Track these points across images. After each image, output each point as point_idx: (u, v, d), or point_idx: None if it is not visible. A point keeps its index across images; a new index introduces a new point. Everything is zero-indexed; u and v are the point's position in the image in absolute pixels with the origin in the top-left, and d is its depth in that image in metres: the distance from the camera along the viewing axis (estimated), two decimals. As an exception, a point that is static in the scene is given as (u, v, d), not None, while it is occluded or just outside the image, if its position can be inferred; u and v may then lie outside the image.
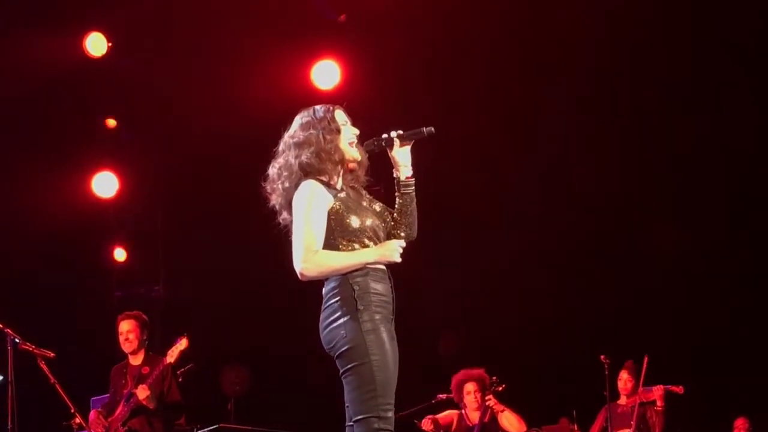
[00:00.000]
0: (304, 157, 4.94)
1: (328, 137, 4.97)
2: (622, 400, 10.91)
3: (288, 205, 5.00)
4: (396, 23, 10.59)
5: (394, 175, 5.16)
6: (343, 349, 4.84)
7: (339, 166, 4.99)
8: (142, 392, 9.12)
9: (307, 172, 4.95)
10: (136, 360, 9.44)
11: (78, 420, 8.77)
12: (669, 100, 10.97)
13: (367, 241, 4.96)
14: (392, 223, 5.15)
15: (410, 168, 5.13)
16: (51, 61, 10.60)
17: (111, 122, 11.38)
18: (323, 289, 4.98)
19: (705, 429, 11.43)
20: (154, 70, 10.90)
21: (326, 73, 10.96)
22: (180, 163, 11.31)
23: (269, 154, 9.01)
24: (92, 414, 9.29)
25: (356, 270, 4.89)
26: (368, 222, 4.99)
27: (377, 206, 5.18)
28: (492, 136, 11.28)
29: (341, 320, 4.86)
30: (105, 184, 11.82)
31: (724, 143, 11.11)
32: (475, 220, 11.02)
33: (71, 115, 11.08)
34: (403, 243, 4.93)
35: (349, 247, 4.93)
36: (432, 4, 10.53)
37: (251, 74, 10.57)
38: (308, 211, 4.88)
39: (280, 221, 5.07)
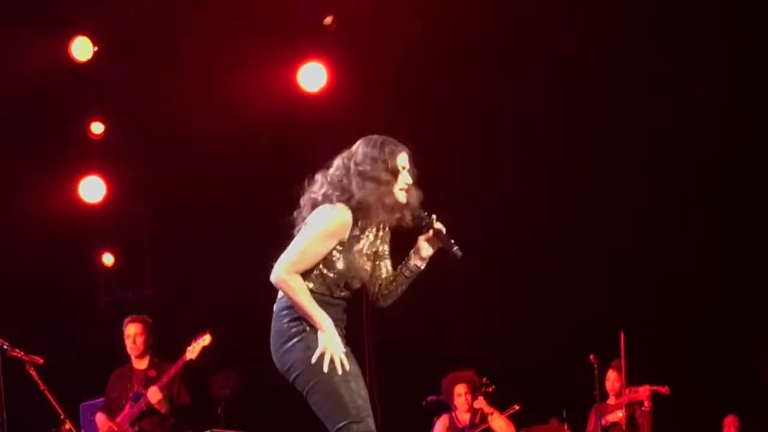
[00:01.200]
0: (365, 192, 4.96)
1: (385, 179, 5.00)
2: (611, 400, 10.95)
3: (311, 209, 5.05)
4: (383, 25, 10.58)
5: (409, 255, 5.22)
6: (297, 372, 4.93)
7: (388, 215, 5.04)
8: (155, 395, 9.17)
9: (358, 204, 4.99)
10: (140, 364, 9.50)
11: (68, 426, 8.75)
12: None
13: (334, 288, 5.02)
14: (376, 286, 5.23)
15: (425, 263, 5.21)
16: (36, 65, 10.61)
17: (97, 127, 11.41)
18: (275, 305, 5.04)
19: (695, 428, 11.50)
20: (140, 74, 10.94)
21: (312, 76, 10.97)
22: (167, 167, 11.33)
23: (256, 157, 9.63)
24: (99, 415, 9.35)
25: (314, 293, 4.95)
26: (353, 272, 5.04)
27: (382, 261, 5.23)
28: (482, 138, 11.37)
29: (290, 342, 4.94)
30: (92, 189, 11.81)
31: (704, 144, 11.28)
32: (462, 220, 11.05)
33: (57, 119, 11.11)
34: (342, 353, 4.91)
35: (318, 274, 4.98)
36: (419, 7, 10.56)
37: (238, 77, 10.60)
38: (319, 235, 4.93)
39: (295, 215, 5.12)
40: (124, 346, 9.58)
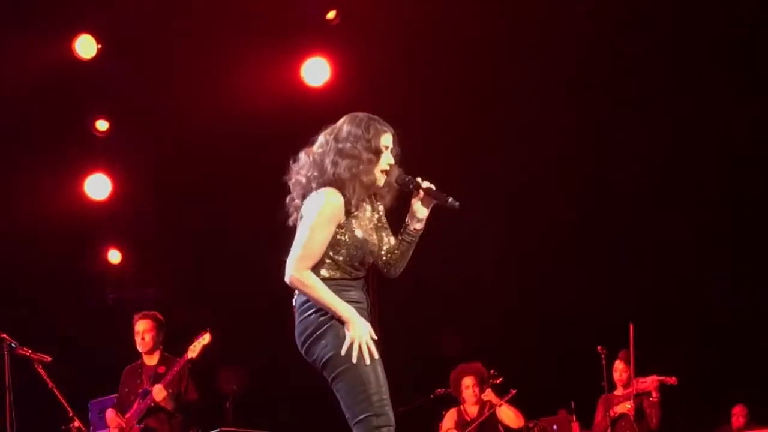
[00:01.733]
0: (340, 169, 4.87)
1: (366, 158, 4.91)
2: (619, 391, 10.89)
3: (302, 198, 4.97)
4: (386, 19, 10.52)
5: (406, 220, 5.16)
6: (327, 357, 4.84)
7: (365, 191, 4.96)
8: (159, 393, 9.18)
9: (333, 181, 4.89)
10: (151, 360, 9.49)
11: (77, 424, 8.82)
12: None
13: (350, 268, 4.95)
14: (383, 256, 5.17)
15: (423, 224, 5.15)
16: (41, 63, 10.58)
17: (102, 124, 11.35)
18: (294, 300, 4.98)
19: (704, 418, 11.44)
20: (144, 70, 10.85)
21: (316, 70, 10.92)
22: (172, 163, 11.27)
23: (262, 153, 9.03)
24: (109, 412, 9.36)
25: (330, 281, 4.88)
26: (362, 247, 4.98)
27: (384, 232, 5.18)
28: (488, 133, 11.27)
29: (319, 331, 4.86)
30: (98, 187, 11.82)
31: (724, 139, 11.15)
32: (471, 214, 11.06)
33: (63, 117, 11.06)
34: (373, 334, 4.88)
35: (329, 261, 4.92)
36: (423, 0, 10.49)
37: (241, 73, 10.53)
38: (316, 225, 4.85)
39: (288, 202, 5.04)
40: (133, 343, 9.56)
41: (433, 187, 5.02)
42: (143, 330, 9.47)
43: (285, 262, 4.84)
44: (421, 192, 5.03)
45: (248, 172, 10.88)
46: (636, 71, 10.85)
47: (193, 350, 9.24)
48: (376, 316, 5.10)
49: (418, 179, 5.01)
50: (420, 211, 5.09)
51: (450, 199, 4.95)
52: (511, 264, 11.66)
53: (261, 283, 9.28)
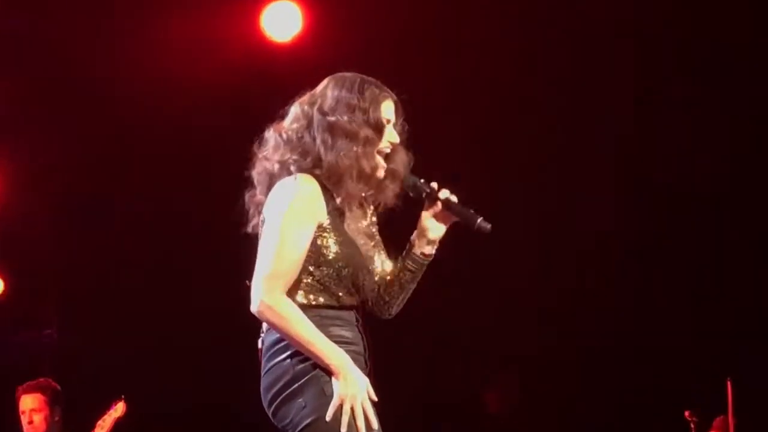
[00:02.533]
0: (335, 153, 4.37)
1: (365, 135, 4.39)
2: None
3: (266, 190, 4.44)
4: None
5: (412, 239, 4.57)
6: (305, 423, 4.30)
7: (365, 185, 4.45)
8: None
9: (314, 167, 4.39)
10: (42, 451, 8.86)
11: None
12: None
13: (338, 291, 4.39)
14: (374, 286, 4.60)
15: (435, 247, 4.56)
16: None
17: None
18: (263, 338, 4.44)
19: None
20: (44, 21, 9.48)
21: (282, 20, 9.51)
22: (82, 151, 9.85)
23: (208, 138, 9.11)
24: None
25: (309, 309, 4.30)
26: (354, 260, 4.45)
27: (376, 254, 4.58)
28: (508, 111, 10.16)
29: (296, 384, 4.33)
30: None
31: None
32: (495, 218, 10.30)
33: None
34: (372, 393, 4.34)
35: (308, 279, 4.35)
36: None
37: (181, 24, 9.34)
38: (287, 225, 4.31)
39: (246, 200, 4.50)
40: (18, 424, 8.58)
41: (454, 198, 4.50)
42: (30, 409, 8.43)
43: (247, 284, 4.39)
44: (439, 204, 4.50)
45: (189, 166, 9.96)
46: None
47: (102, 427, 8.49)
48: (373, 364, 4.50)
49: (434, 185, 4.49)
50: (434, 229, 4.53)
51: (479, 220, 4.43)
52: (551, 286, 10.39)
53: (195, 320, 9.47)
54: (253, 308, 4.30)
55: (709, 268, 10.63)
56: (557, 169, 10.60)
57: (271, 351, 4.39)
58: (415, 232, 4.53)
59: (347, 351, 4.33)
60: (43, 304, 10.63)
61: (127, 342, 10.13)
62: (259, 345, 4.44)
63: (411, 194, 4.53)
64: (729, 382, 9.12)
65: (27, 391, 8.44)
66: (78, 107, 9.92)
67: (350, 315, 4.44)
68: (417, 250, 4.53)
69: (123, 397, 8.45)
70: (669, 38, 9.90)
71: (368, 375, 4.36)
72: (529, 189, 10.52)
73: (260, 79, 9.35)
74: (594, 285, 10.68)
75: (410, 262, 4.55)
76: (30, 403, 8.39)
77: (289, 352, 4.35)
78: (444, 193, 4.48)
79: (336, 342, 4.33)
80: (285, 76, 8.98)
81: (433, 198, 4.49)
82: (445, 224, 4.52)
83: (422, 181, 4.50)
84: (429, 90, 9.15)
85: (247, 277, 4.35)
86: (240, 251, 4.50)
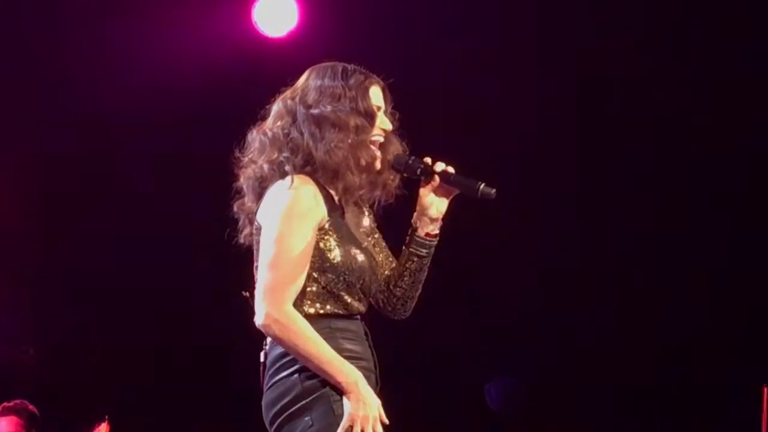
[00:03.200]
0: (325, 147, 4.18)
1: (356, 124, 4.23)
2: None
3: (257, 197, 4.26)
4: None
5: (413, 222, 4.41)
6: None
7: (361, 175, 4.26)
8: None
9: (306, 164, 4.20)
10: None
11: None
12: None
13: (346, 297, 4.22)
14: (382, 286, 4.45)
15: (439, 226, 4.39)
16: None
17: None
18: (266, 351, 4.25)
19: None
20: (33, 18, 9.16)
21: (276, 13, 9.21)
22: (63, 156, 9.45)
23: (192, 144, 9.17)
24: None
25: (316, 319, 4.12)
26: (359, 262, 4.23)
27: (380, 252, 4.44)
28: (497, 91, 9.76)
29: (303, 401, 4.13)
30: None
31: None
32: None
33: None
34: (383, 416, 4.16)
35: (313, 286, 4.19)
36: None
37: (158, 22, 9.00)
38: (287, 230, 4.14)
39: (234, 210, 4.34)
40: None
41: (452, 169, 4.33)
42: (7, 432, 8.51)
43: (245, 295, 4.32)
44: (436, 178, 4.33)
45: (175, 167, 9.52)
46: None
47: None
48: (382, 379, 4.27)
49: (428, 160, 4.32)
50: (435, 206, 4.36)
51: (482, 186, 4.29)
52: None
53: (183, 334, 9.32)
54: (258, 322, 4.18)
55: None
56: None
57: (277, 365, 4.25)
58: (415, 214, 4.42)
59: (358, 368, 4.22)
60: (21, 320, 10.15)
61: (112, 359, 9.84)
62: (262, 358, 4.31)
63: (404, 174, 4.41)
64: (765, 389, 8.67)
65: (1, 414, 8.21)
66: (62, 107, 9.50)
67: (359, 326, 4.32)
68: (421, 232, 4.42)
69: (107, 417, 8.10)
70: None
71: (379, 394, 4.26)
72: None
73: (252, 77, 8.92)
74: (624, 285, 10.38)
75: (416, 247, 4.43)
76: (5, 427, 8.16)
77: (296, 367, 4.23)
78: (440, 166, 4.37)
79: (346, 357, 4.21)
80: (279, 74, 8.98)
81: (428, 173, 4.38)
82: (447, 198, 4.41)
83: (414, 157, 4.39)
84: (432, 82, 9.17)
85: (245, 287, 4.29)
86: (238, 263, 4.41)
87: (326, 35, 9.11)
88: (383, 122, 4.35)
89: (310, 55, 8.26)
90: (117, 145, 9.48)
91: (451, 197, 4.41)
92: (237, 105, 8.40)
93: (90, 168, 9.73)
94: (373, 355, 4.33)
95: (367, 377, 4.22)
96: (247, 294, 4.24)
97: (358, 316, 4.31)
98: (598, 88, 9.99)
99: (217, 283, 8.51)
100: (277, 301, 4.16)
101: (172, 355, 9.85)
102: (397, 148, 4.39)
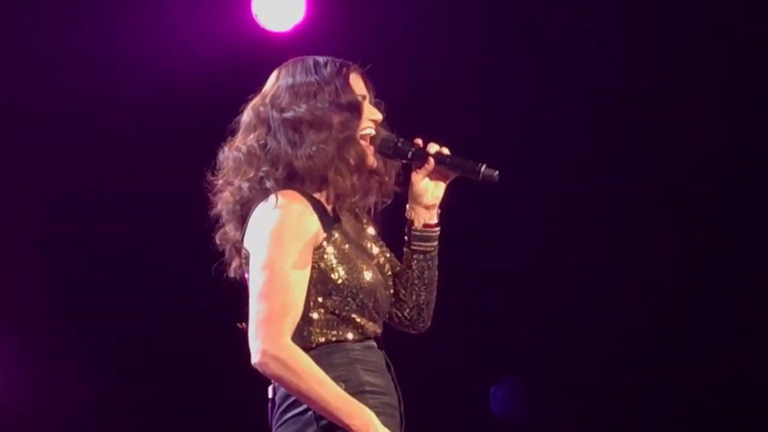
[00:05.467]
0: (305, 152, 3.96)
1: (339, 120, 4.00)
2: None
3: (240, 223, 4.04)
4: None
5: (407, 215, 4.15)
6: None
7: (353, 177, 4.03)
8: None
9: (289, 176, 3.98)
10: None
11: None
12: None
13: (359, 320, 3.99)
14: (393, 295, 4.18)
15: (437, 211, 4.14)
16: None
17: None
18: (275, 386, 3.99)
19: None
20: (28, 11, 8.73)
21: (280, 6, 8.71)
22: (63, 156, 8.93)
23: (186, 144, 8.32)
24: None
25: (333, 351, 3.93)
26: (367, 278, 4.01)
27: (382, 256, 4.19)
28: (511, 86, 9.48)
29: None
30: None
31: None
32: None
33: None
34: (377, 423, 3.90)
35: (319, 310, 3.97)
36: None
37: (152, 15, 8.54)
38: (279, 256, 3.90)
39: (218, 242, 4.11)
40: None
41: (446, 150, 4.13)
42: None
43: (240, 327, 4.08)
44: (430, 161, 4.11)
45: (165, 173, 8.85)
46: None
47: None
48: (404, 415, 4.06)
49: (419, 141, 4.10)
50: (430, 192, 4.15)
51: (482, 167, 4.08)
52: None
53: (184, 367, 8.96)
54: (254, 360, 3.98)
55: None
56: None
57: (289, 401, 4.06)
58: (408, 205, 4.21)
59: (380, 403, 4.04)
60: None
61: (93, 395, 9.18)
62: (270, 394, 4.11)
63: (394, 158, 4.19)
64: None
65: None
66: (57, 103, 8.98)
67: (379, 357, 4.11)
68: (418, 224, 4.23)
69: None
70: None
71: (401, 421, 4.11)
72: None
73: (254, 75, 8.75)
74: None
75: (417, 243, 4.23)
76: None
77: (303, 407, 4.09)
78: (434, 147, 4.18)
79: (367, 392, 4.02)
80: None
81: (421, 155, 4.16)
82: (444, 182, 4.21)
83: (403, 139, 4.17)
84: (445, 80, 8.91)
85: (241, 318, 4.09)
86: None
87: (334, 29, 8.72)
88: (371, 112, 4.14)
89: (317, 54, 8.56)
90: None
91: (447, 182, 4.22)
92: (239, 102, 8.46)
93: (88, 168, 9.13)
94: (396, 389, 4.12)
95: (390, 415, 4.04)
96: (243, 325, 4.05)
97: (374, 341, 4.11)
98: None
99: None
100: (272, 336, 3.95)
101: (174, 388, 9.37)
102: (382, 138, 4.22)
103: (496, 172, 4.13)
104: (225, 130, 5.82)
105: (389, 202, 4.27)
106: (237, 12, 8.60)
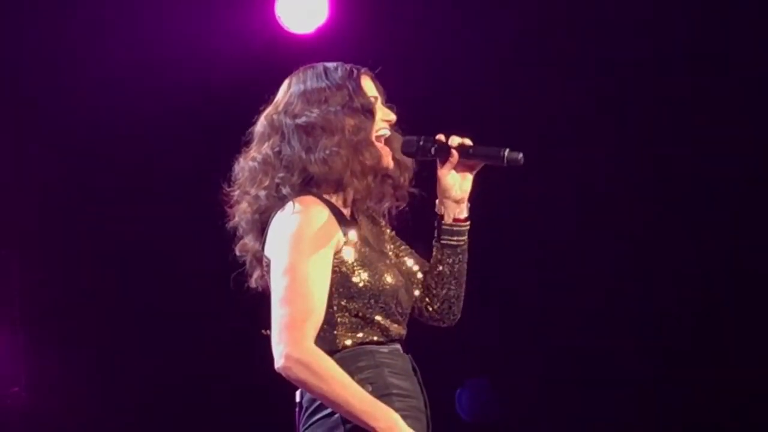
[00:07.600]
0: (318, 157, 3.99)
1: (353, 123, 4.03)
2: None
3: (259, 233, 4.05)
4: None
5: (437, 210, 4.19)
6: None
7: (368, 178, 4.05)
8: None
9: (305, 181, 4.00)
10: None
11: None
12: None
13: (383, 321, 4.01)
14: (421, 293, 4.23)
15: (467, 205, 4.17)
16: None
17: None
18: (302, 390, 4.00)
19: None
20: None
21: (304, 7, 8.67)
22: (59, 162, 8.86)
23: (210, 153, 7.85)
24: None
25: (359, 353, 3.95)
26: (389, 280, 4.03)
27: (407, 258, 4.25)
28: (540, 85, 9.43)
29: None
30: None
31: None
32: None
33: None
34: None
35: (342, 313, 4.00)
36: None
37: (172, 16, 8.52)
38: (299, 260, 3.91)
39: (237, 253, 4.14)
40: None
41: (469, 141, 4.13)
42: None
43: (264, 333, 4.09)
44: (454, 154, 4.12)
45: (187, 177, 8.74)
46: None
47: None
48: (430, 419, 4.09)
49: (440, 136, 4.12)
50: (458, 185, 4.17)
51: (506, 152, 4.07)
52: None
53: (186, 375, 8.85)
54: (278, 365, 3.99)
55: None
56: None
57: (316, 404, 4.08)
58: (438, 201, 4.23)
59: (407, 407, 4.06)
60: (10, 358, 9.53)
61: (110, 400, 9.21)
62: (298, 398, 4.14)
63: (418, 158, 4.21)
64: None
65: None
66: (73, 103, 8.95)
67: (405, 361, 4.14)
68: (448, 219, 4.26)
69: None
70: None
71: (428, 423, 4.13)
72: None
73: (278, 77, 8.77)
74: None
75: (447, 237, 4.27)
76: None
77: (329, 410, 4.11)
78: (455, 140, 4.20)
79: (394, 395, 4.04)
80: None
81: (445, 150, 4.19)
82: (471, 173, 4.23)
83: (424, 137, 4.20)
84: (468, 80, 8.82)
85: (264, 326, 4.10)
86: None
87: (358, 32, 8.70)
88: (384, 113, 4.18)
89: (341, 55, 8.62)
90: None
91: (474, 172, 4.24)
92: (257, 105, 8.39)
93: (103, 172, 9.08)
94: (423, 392, 4.15)
95: (416, 418, 4.06)
96: (267, 332, 4.08)
97: (399, 345, 4.13)
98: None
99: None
100: (295, 340, 3.97)
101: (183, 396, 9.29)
102: (397, 140, 4.22)
103: (521, 155, 4.13)
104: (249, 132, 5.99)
105: (404, 205, 4.28)
106: (260, 14, 8.57)
